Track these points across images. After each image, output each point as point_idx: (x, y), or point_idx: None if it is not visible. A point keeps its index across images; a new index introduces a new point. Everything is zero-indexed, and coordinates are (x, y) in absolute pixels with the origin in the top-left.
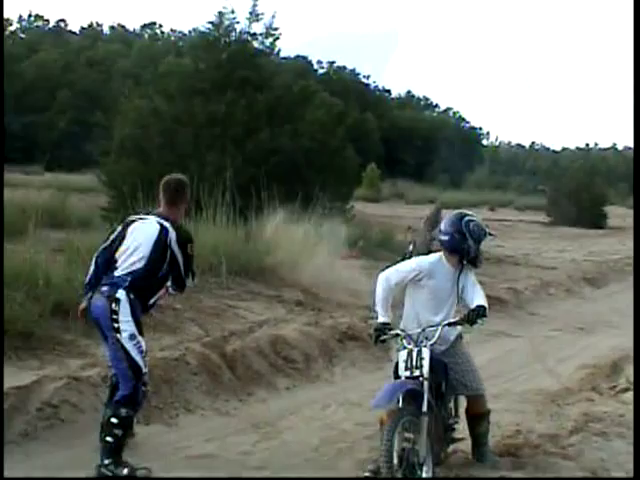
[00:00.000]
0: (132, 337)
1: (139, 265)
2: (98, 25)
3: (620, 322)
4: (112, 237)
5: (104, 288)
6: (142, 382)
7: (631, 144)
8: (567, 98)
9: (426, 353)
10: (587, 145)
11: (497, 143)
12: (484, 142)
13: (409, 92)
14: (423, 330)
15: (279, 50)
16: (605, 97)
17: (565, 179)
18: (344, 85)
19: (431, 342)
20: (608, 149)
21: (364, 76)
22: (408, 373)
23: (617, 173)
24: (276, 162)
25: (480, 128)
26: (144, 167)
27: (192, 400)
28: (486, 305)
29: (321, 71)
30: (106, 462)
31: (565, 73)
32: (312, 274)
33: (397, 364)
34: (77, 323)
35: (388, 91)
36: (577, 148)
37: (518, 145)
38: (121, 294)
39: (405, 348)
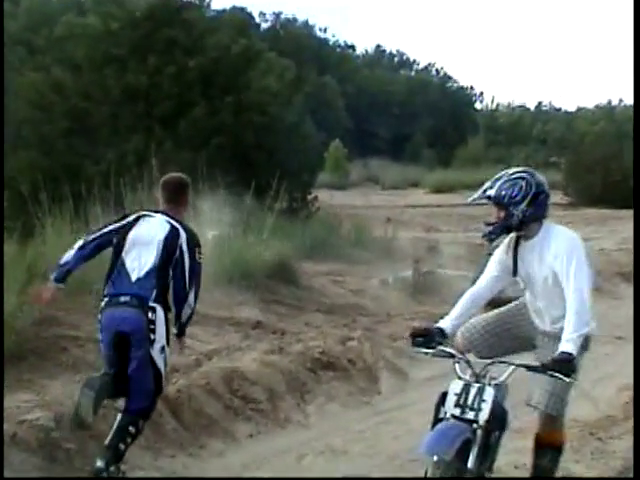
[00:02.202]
0: (162, 350)
1: (153, 266)
2: None
3: None
4: (111, 227)
5: (125, 298)
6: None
7: None
8: (580, 44)
9: (489, 395)
10: (609, 102)
11: (494, 106)
12: (477, 105)
13: (379, 47)
14: (491, 363)
15: (210, 0)
16: (629, 40)
17: (585, 147)
18: (296, 42)
19: (498, 381)
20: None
21: (320, 29)
22: (458, 412)
23: None
24: (217, 144)
25: (471, 88)
26: (47, 160)
27: (127, 458)
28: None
29: (265, 25)
30: (112, 469)
31: (576, 13)
32: (272, 285)
33: (444, 394)
34: None
35: (352, 47)
36: (597, 107)
37: (521, 107)
38: (154, 302)
39: (461, 378)
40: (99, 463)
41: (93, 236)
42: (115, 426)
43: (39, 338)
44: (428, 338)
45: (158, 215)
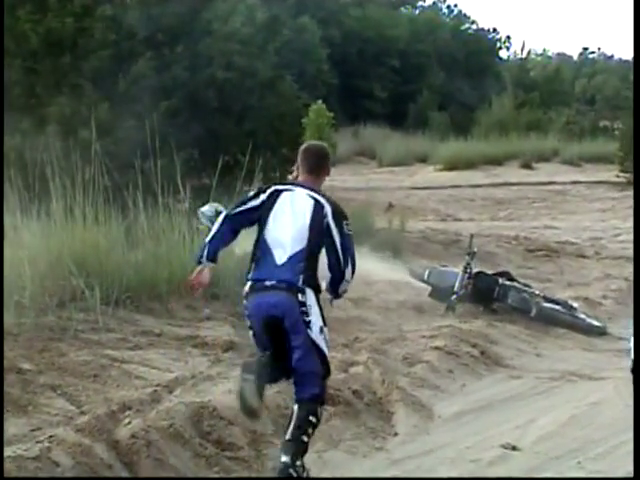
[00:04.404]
0: (321, 330)
1: (300, 246)
2: None
3: None
4: (251, 204)
5: (271, 282)
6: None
7: None
8: None
9: None
10: None
11: (524, 54)
12: (503, 54)
13: None
14: None
15: None
16: None
17: None
18: None
19: None
20: None
21: None
22: None
23: None
24: (168, 109)
25: (494, 30)
26: None
27: None
28: None
29: None
30: (298, 463)
31: None
32: None
33: None
34: None
35: None
36: None
37: (560, 55)
38: (302, 285)
39: None
40: (284, 458)
41: (235, 211)
42: (294, 419)
43: None
44: None
45: (298, 189)
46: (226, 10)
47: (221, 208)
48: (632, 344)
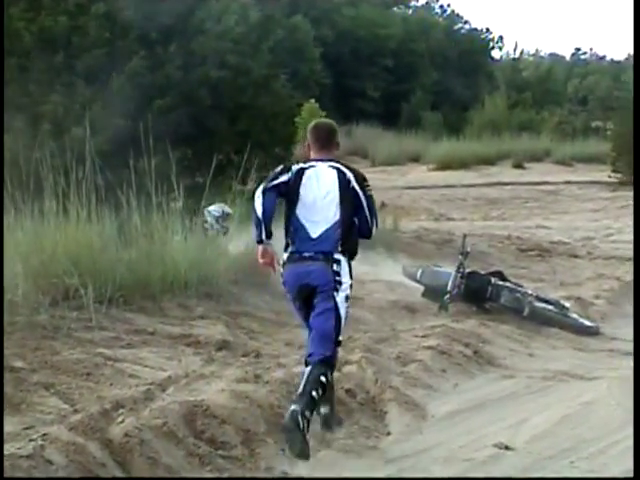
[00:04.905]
0: (347, 299)
1: (334, 218)
2: None
3: None
4: (282, 179)
5: (308, 254)
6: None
7: None
8: None
9: None
10: None
11: (517, 54)
12: (495, 54)
13: None
14: None
15: None
16: None
17: None
18: None
19: None
20: None
21: None
22: None
23: None
24: (162, 107)
25: (487, 31)
26: None
27: None
28: None
29: None
30: (307, 413)
31: None
32: (240, 293)
33: None
34: None
35: None
36: None
37: (552, 55)
38: (338, 255)
39: None
40: (293, 406)
41: (270, 185)
42: (305, 376)
43: None
44: None
45: (319, 164)
46: (219, 9)
47: (228, 209)
48: None
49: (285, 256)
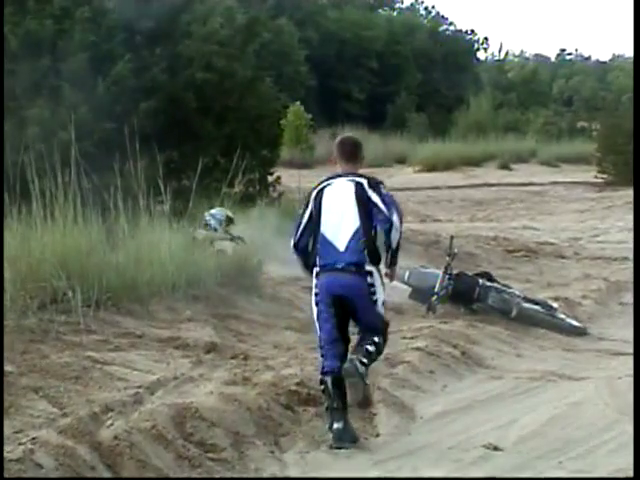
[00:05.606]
0: (383, 304)
1: (355, 227)
2: None
3: None
4: (305, 218)
5: (340, 265)
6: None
7: None
8: None
9: None
10: None
11: (502, 55)
12: (480, 55)
13: None
14: None
15: None
16: None
17: (625, 107)
18: None
19: None
20: None
21: None
22: None
23: None
24: (148, 110)
25: (472, 32)
26: None
27: None
28: None
29: None
30: (364, 360)
31: None
32: (228, 295)
33: None
34: None
35: None
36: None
37: (538, 56)
38: (369, 266)
39: None
40: (352, 356)
41: (297, 238)
42: (358, 339)
43: None
44: None
45: (336, 180)
46: (205, 12)
47: (230, 213)
48: None
49: (317, 270)
